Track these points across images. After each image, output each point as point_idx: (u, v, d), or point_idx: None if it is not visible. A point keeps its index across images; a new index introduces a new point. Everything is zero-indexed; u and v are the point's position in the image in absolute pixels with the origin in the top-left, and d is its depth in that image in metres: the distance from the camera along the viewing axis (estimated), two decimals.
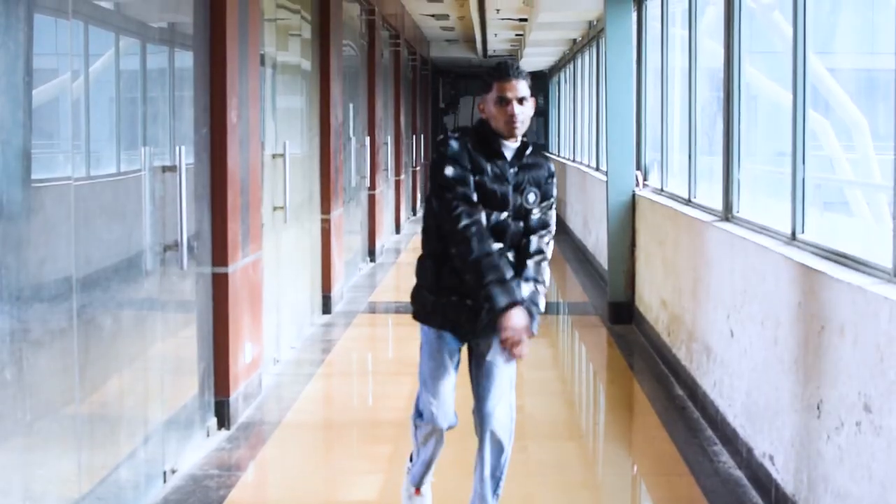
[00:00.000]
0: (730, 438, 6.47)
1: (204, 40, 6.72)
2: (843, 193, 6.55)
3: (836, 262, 5.09)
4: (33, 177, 4.29)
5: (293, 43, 9.70)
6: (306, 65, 10.33)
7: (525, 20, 18.18)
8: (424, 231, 4.90)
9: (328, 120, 11.09)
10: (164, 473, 5.87)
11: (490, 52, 25.69)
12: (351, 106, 13.20)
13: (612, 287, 10.81)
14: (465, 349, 5.00)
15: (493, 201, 4.72)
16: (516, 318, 4.55)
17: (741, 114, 7.29)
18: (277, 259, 8.90)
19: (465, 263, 4.60)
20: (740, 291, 6.38)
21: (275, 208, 8.72)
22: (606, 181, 10.91)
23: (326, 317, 11.09)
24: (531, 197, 4.81)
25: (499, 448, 4.92)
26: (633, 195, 10.66)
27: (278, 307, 8.91)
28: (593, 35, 16.75)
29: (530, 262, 4.85)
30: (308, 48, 10.42)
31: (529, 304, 4.75)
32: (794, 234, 5.83)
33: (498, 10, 17.32)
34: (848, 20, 6.48)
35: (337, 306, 11.54)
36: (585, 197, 16.53)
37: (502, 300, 4.54)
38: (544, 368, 9.14)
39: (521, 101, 4.67)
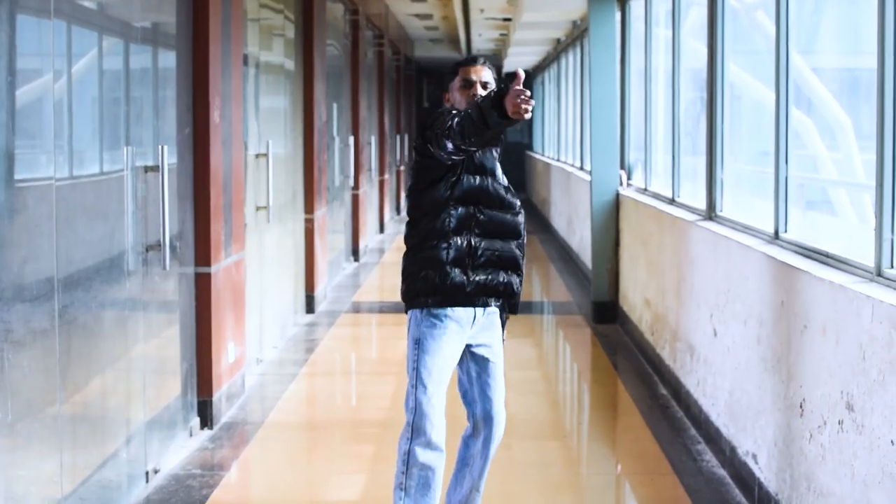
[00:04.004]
0: (713, 437, 6.48)
1: (187, 40, 6.70)
2: (827, 193, 6.56)
3: (818, 261, 5.10)
4: (16, 177, 4.28)
5: (276, 43, 9.69)
6: (290, 64, 10.31)
7: (509, 20, 18.17)
8: (413, 209, 4.78)
9: (312, 119, 11.07)
10: (147, 473, 5.85)
11: (474, 52, 25.68)
12: (335, 105, 13.19)
13: (596, 286, 10.82)
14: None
15: (483, 169, 4.73)
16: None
17: (724, 113, 7.30)
18: (261, 259, 8.88)
19: (463, 130, 4.37)
20: (723, 291, 6.39)
21: (258, 208, 8.70)
22: (590, 181, 10.92)
23: (310, 316, 11.08)
24: (505, 181, 4.82)
25: (498, 443, 4.93)
26: (617, 195, 10.68)
27: (261, 307, 8.90)
28: (577, 35, 16.77)
29: (519, 252, 4.86)
30: (291, 48, 10.41)
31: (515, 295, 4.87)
32: (777, 233, 5.85)
33: (482, 10, 17.31)
34: (831, 19, 6.49)
35: (320, 306, 11.53)
36: (570, 196, 16.54)
37: (488, 100, 4.27)
38: (528, 368, 9.14)
39: (484, 85, 4.77)
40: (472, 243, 4.70)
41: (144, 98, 5.96)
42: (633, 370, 8.73)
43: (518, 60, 24.86)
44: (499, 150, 4.89)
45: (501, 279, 4.77)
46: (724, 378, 6.34)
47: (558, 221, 18.57)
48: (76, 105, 4.96)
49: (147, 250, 5.81)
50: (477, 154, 4.69)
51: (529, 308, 12.00)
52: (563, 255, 16.50)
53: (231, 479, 6.13)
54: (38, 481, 4.51)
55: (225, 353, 7.20)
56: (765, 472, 5.45)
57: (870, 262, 4.53)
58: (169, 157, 5.96)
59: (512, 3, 15.68)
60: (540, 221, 22.05)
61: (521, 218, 4.83)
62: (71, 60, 4.91)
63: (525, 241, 4.93)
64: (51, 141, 4.61)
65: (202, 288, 6.88)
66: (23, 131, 4.38)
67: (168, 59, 6.39)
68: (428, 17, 20.55)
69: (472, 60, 4.85)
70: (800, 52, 6.03)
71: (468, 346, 4.82)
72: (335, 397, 8.36)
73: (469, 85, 4.78)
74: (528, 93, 4.12)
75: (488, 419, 4.86)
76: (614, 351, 9.52)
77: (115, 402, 5.46)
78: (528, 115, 4.13)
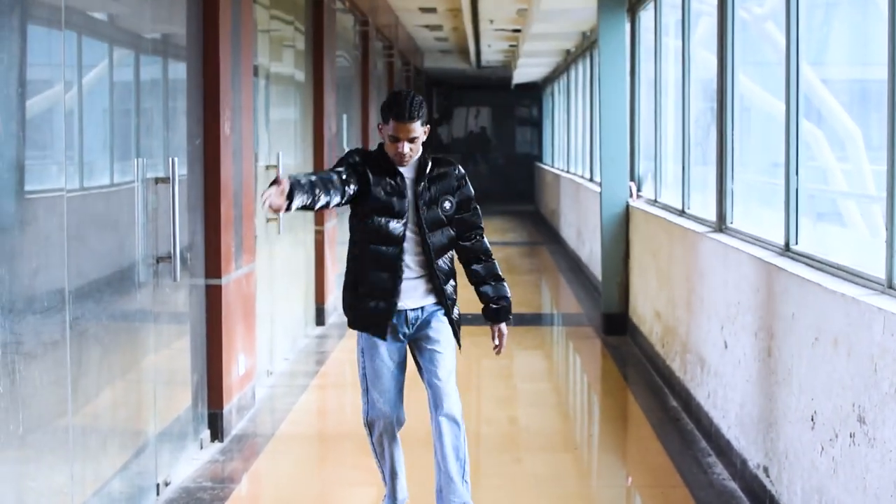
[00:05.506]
0: (724, 450, 6.46)
1: (197, 51, 6.71)
2: (837, 204, 6.54)
3: (829, 273, 5.09)
4: (26, 188, 4.28)
5: (287, 54, 9.70)
6: (300, 75, 10.32)
7: (519, 31, 18.19)
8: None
9: (322, 131, 11.08)
10: (158, 486, 5.85)
11: (483, 63, 25.70)
12: (345, 116, 13.20)
13: (606, 298, 10.80)
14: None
15: (390, 211, 5.05)
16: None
17: (735, 124, 7.29)
18: (271, 271, 8.88)
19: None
20: (734, 303, 6.37)
21: (268, 220, 8.71)
22: (600, 192, 10.91)
23: (320, 328, 11.07)
24: (447, 205, 5.16)
25: (455, 423, 5.12)
26: (627, 206, 10.66)
27: (272, 319, 8.90)
28: (587, 46, 16.77)
29: (479, 266, 5.28)
30: (301, 59, 10.42)
31: (499, 300, 5.27)
32: (787, 245, 5.83)
33: (492, 21, 17.33)
34: (841, 30, 6.49)
35: (330, 318, 11.52)
36: (579, 208, 16.53)
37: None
38: (539, 380, 9.13)
39: (411, 140, 5.00)
40: (359, 273, 5.14)
41: (155, 109, 5.97)
42: (644, 382, 8.71)
43: (527, 72, 24.88)
44: (426, 184, 5.11)
45: (378, 305, 5.09)
46: (734, 390, 6.32)
47: (568, 233, 18.56)
48: (87, 116, 4.96)
49: (158, 262, 5.82)
50: (382, 196, 5.03)
51: (539, 320, 11.99)
52: (573, 266, 16.48)
53: (241, 491, 6.12)
54: (48, 493, 4.51)
55: (235, 365, 7.20)
56: (776, 485, 5.43)
57: (881, 274, 4.52)
58: (179, 169, 5.97)
59: (521, 14, 15.71)
60: (549, 233, 22.04)
61: (403, 253, 5.08)
62: (82, 71, 4.91)
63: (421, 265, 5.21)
64: (61, 152, 4.62)
65: (213, 299, 6.89)
66: (33, 142, 4.39)
67: (178, 71, 6.41)
68: (438, 28, 20.57)
69: (402, 116, 4.96)
70: (810, 63, 6.03)
71: (414, 342, 5.21)
72: (345, 409, 8.35)
73: (396, 140, 5.00)
74: (265, 195, 4.47)
75: (437, 400, 5.13)
76: (624, 363, 9.50)
77: (125, 414, 5.46)
78: (278, 212, 4.60)
